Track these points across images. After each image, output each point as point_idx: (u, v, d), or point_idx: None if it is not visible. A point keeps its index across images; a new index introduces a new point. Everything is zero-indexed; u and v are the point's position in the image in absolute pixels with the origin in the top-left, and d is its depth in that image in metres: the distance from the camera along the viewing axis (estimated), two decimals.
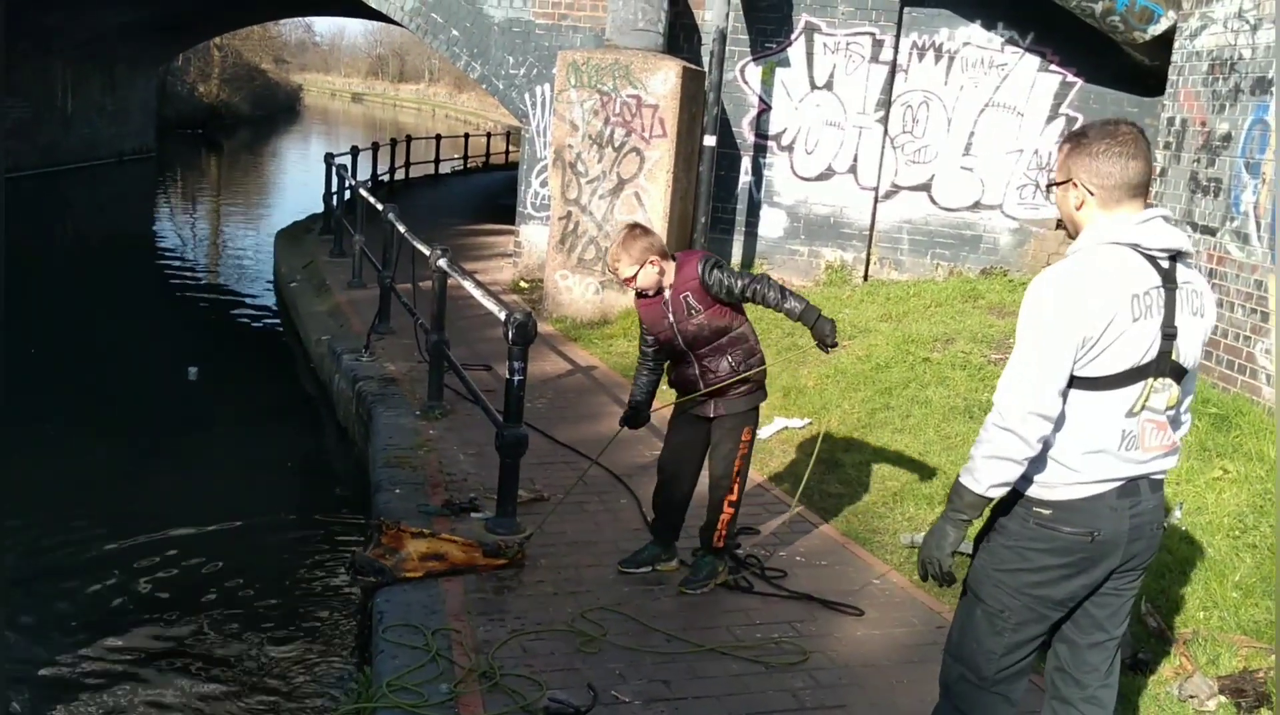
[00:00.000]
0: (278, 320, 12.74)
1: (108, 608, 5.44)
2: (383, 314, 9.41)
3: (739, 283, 4.60)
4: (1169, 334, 2.67)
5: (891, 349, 8.41)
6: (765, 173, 11.39)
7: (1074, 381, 2.66)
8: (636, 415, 4.98)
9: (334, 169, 14.79)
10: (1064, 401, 2.66)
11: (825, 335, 4.52)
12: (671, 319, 4.72)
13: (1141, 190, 2.72)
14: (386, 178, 21.03)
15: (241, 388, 9.98)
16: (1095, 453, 2.70)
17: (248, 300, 14.26)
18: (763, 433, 6.89)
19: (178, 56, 36.63)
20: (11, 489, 6.77)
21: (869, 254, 11.30)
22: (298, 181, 27.05)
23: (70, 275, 15.16)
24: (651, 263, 4.64)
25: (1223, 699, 3.95)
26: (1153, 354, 2.66)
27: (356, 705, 3.96)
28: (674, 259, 4.73)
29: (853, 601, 4.84)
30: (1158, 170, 8.90)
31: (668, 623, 4.53)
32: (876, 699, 4.07)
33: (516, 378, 5.17)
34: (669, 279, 4.67)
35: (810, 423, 7.28)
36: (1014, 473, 2.69)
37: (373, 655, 4.28)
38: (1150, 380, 2.68)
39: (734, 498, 4.82)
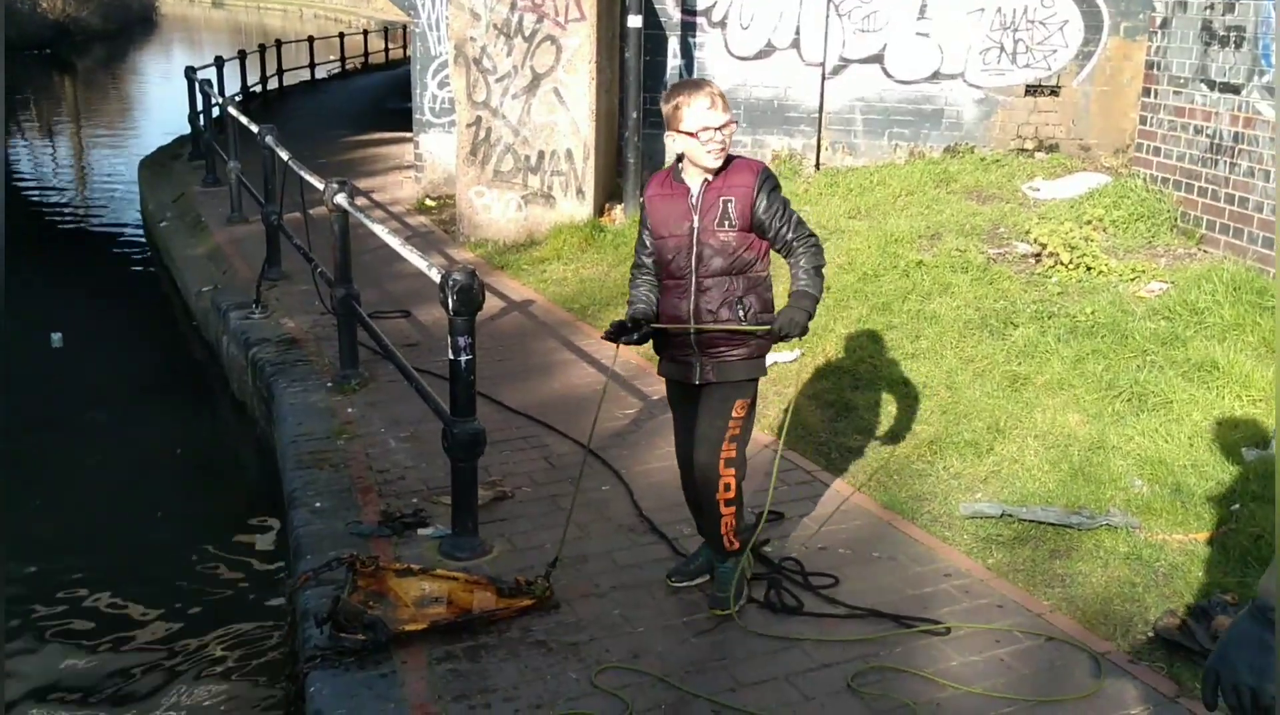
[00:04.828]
0: (152, 267, 11.08)
1: None
2: (272, 258, 7.93)
3: (790, 227, 3.52)
4: None
5: (875, 253, 7.26)
6: (696, 54, 9.99)
7: None
8: (638, 328, 3.63)
9: (197, 85, 12.94)
10: None
11: (788, 329, 3.46)
12: (696, 222, 3.52)
13: None
14: (259, 88, 19.01)
15: (115, 355, 8.47)
16: None
17: (117, 243, 12.52)
18: None
19: None
20: None
21: (819, 139, 10.05)
22: (164, 100, 24.55)
23: None
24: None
25: None
26: None
27: None
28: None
29: (929, 612, 3.77)
30: (1157, 21, 7.78)
31: (707, 680, 3.39)
32: None
33: (464, 358, 3.89)
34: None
35: (802, 355, 6.14)
36: None
37: None
38: None
39: (730, 495, 3.66)
